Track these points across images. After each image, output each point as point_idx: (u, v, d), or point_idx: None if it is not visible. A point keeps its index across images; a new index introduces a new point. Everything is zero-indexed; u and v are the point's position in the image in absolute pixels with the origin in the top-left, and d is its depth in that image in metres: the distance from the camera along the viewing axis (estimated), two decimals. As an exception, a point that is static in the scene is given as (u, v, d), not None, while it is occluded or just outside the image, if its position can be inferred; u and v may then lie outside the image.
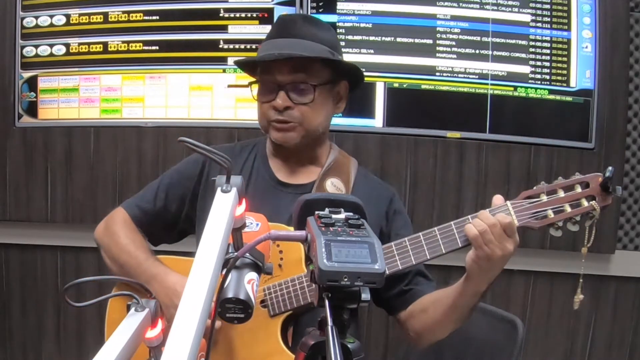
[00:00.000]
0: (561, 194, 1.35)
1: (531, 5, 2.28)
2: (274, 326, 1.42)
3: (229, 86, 2.37)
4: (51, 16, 2.44)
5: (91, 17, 2.43)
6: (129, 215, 1.59)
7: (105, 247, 1.58)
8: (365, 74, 2.34)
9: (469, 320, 1.45)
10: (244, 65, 1.63)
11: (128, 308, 0.86)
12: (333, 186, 1.55)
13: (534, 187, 1.38)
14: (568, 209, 1.35)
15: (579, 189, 1.35)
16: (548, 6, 2.28)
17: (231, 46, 2.36)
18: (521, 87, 2.29)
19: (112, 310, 1.57)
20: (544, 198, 1.35)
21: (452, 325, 1.43)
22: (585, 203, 1.34)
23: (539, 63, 2.29)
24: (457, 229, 1.37)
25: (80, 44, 2.44)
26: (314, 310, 1.44)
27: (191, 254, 1.64)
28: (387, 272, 1.30)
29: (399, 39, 2.31)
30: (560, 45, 2.29)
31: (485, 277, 1.37)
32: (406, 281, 1.49)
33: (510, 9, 2.29)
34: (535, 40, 2.29)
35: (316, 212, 0.84)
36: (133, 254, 1.52)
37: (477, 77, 2.30)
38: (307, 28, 1.53)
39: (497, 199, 1.36)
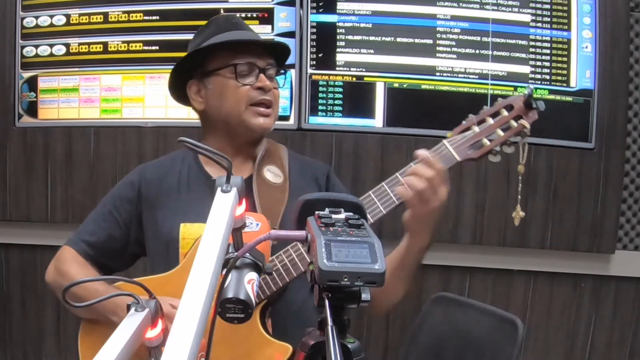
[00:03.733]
0: (490, 121, 1.43)
1: (531, 5, 2.28)
2: (252, 319, 1.42)
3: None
4: (51, 16, 2.44)
5: (91, 17, 2.43)
6: (76, 252, 1.56)
7: (59, 289, 1.54)
8: (365, 74, 2.37)
9: (416, 279, 1.50)
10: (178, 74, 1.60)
11: (128, 308, 0.86)
12: (271, 173, 1.57)
13: (463, 122, 1.45)
14: (500, 133, 1.42)
15: (505, 113, 1.42)
16: (548, 6, 2.28)
17: (231, 46, 2.36)
18: (521, 87, 2.29)
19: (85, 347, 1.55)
20: (476, 129, 1.43)
21: (402, 285, 1.47)
22: (514, 124, 1.41)
23: (539, 63, 2.29)
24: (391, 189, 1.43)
25: (80, 44, 2.44)
26: (286, 295, 1.47)
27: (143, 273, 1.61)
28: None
29: (399, 39, 2.31)
30: (560, 45, 2.29)
31: (427, 230, 1.39)
32: None
33: (510, 9, 2.29)
34: (535, 40, 2.29)
35: (316, 212, 0.84)
36: (90, 288, 1.46)
37: (477, 77, 2.30)
38: (248, 27, 1.65)
39: (420, 152, 1.41)
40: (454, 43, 2.30)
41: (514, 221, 1.45)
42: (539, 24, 2.29)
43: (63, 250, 1.59)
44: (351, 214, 0.84)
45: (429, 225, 1.39)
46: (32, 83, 2.46)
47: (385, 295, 1.48)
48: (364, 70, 2.33)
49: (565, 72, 2.29)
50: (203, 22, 1.73)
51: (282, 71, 1.59)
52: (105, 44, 2.43)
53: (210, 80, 1.54)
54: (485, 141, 1.41)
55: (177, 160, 1.63)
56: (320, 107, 2.34)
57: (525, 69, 2.29)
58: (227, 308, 0.81)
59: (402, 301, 1.51)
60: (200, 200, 1.41)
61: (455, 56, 2.30)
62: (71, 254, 1.57)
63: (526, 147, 1.41)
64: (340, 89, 2.34)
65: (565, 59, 2.29)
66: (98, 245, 1.57)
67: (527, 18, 2.29)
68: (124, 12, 2.41)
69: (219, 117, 1.55)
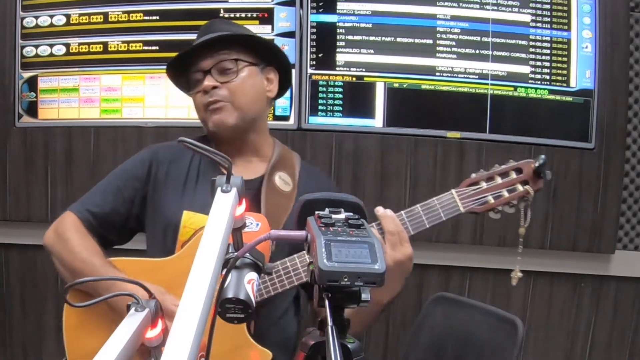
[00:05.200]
0: (498, 180, 1.49)
1: (531, 5, 2.28)
2: None
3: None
4: (51, 16, 2.44)
5: (91, 17, 2.43)
6: (79, 220, 1.57)
7: (57, 254, 1.56)
8: (365, 74, 2.37)
9: (371, 325, 1.53)
10: (178, 83, 1.67)
11: (128, 308, 0.86)
12: (281, 180, 1.58)
13: (472, 175, 1.50)
14: (505, 194, 1.48)
15: (513, 175, 1.49)
16: (548, 6, 2.28)
17: (231, 46, 2.36)
18: (521, 87, 2.29)
19: (69, 317, 1.54)
20: (484, 185, 1.49)
21: (356, 327, 1.46)
22: (520, 188, 1.48)
23: (539, 63, 2.29)
24: None
25: (80, 44, 2.44)
26: (272, 301, 1.48)
27: (141, 253, 1.64)
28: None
29: (399, 39, 2.31)
30: (560, 45, 2.29)
31: (384, 290, 1.37)
32: None
33: (510, 9, 2.29)
34: (535, 40, 2.29)
35: (316, 212, 0.84)
36: (87, 260, 1.49)
37: (477, 77, 2.30)
38: (223, 25, 1.66)
39: (378, 210, 1.42)
40: (454, 43, 2.30)
41: (512, 281, 1.54)
42: (539, 24, 2.29)
43: (66, 216, 1.59)
44: (351, 214, 0.84)
45: (388, 285, 1.35)
46: (32, 83, 2.46)
47: None
48: (364, 70, 2.33)
49: (565, 72, 2.29)
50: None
51: (233, 58, 1.55)
52: (105, 44, 2.43)
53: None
54: (490, 199, 1.48)
55: (189, 150, 1.64)
56: (320, 107, 2.34)
57: (525, 69, 2.29)
58: (227, 308, 0.81)
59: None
60: (207, 193, 1.46)
61: (455, 56, 2.30)
62: (73, 221, 1.58)
63: (528, 212, 1.48)
64: (340, 89, 2.34)
65: (565, 59, 2.29)
66: (101, 216, 1.58)
67: (527, 18, 2.29)
68: (124, 12, 2.41)
69: None
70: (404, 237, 1.38)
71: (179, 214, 1.50)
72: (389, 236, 1.36)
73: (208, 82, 1.53)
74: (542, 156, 1.46)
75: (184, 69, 1.61)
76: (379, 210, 1.40)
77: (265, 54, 1.61)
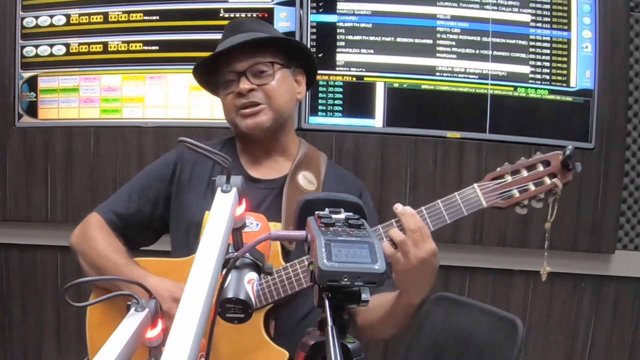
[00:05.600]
0: (524, 173, 1.41)
1: (531, 5, 2.28)
2: (257, 320, 1.43)
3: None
4: (51, 16, 2.44)
5: (91, 17, 2.43)
6: (104, 220, 1.59)
7: (82, 253, 1.58)
8: (365, 74, 2.37)
9: (407, 326, 1.48)
10: (204, 82, 1.65)
11: (128, 308, 0.86)
12: (305, 179, 1.57)
13: (498, 169, 1.43)
14: (532, 187, 1.41)
15: (540, 168, 1.41)
16: (548, 6, 2.28)
17: (231, 46, 2.36)
18: (521, 87, 2.29)
19: (92, 316, 1.57)
20: (509, 178, 1.41)
21: (391, 329, 1.46)
22: (547, 181, 1.41)
23: (539, 63, 2.29)
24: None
25: (80, 44, 2.44)
26: (294, 301, 1.47)
27: (167, 254, 1.66)
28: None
29: (399, 39, 2.31)
30: (560, 45, 2.29)
31: (415, 289, 1.36)
32: None
33: (510, 9, 2.29)
34: (535, 40, 2.29)
35: (316, 212, 0.84)
36: (111, 258, 1.51)
37: (477, 77, 2.30)
38: (254, 25, 1.64)
39: (397, 207, 1.36)
40: (454, 43, 2.30)
41: (541, 277, 1.44)
42: (539, 24, 2.29)
43: (92, 216, 1.61)
44: (351, 214, 0.84)
45: (416, 284, 1.35)
46: (32, 83, 2.46)
47: (372, 331, 1.48)
48: (364, 70, 2.33)
49: (565, 72, 2.29)
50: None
51: (269, 61, 1.54)
52: (105, 44, 2.43)
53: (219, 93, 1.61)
54: (515, 192, 1.41)
55: (216, 148, 1.64)
56: (320, 107, 2.34)
57: (525, 69, 2.29)
58: (227, 308, 0.81)
59: (396, 337, 1.50)
60: None
61: (455, 56, 2.30)
62: (99, 221, 1.59)
63: (556, 206, 1.40)
64: (340, 89, 2.34)
65: (565, 59, 2.29)
66: (125, 217, 1.60)
67: (527, 18, 2.29)
68: (124, 12, 2.41)
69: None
70: (426, 233, 1.31)
71: (201, 214, 1.50)
72: (410, 234, 1.30)
73: (244, 85, 1.51)
74: (570, 146, 1.39)
75: (212, 69, 1.60)
76: (398, 207, 1.34)
77: (295, 55, 1.60)
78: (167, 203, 1.60)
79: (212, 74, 1.61)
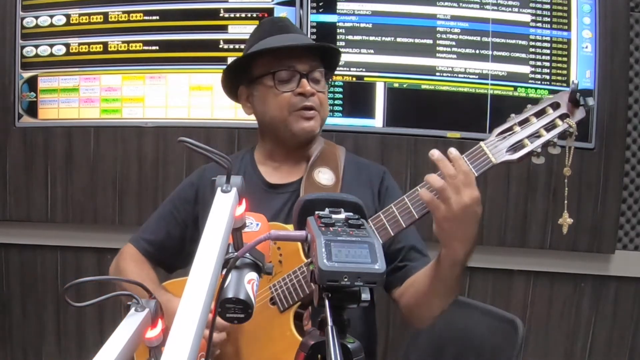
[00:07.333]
0: (534, 120, 1.32)
1: (531, 5, 2.28)
2: (286, 321, 1.42)
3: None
4: (51, 16, 2.44)
5: (91, 17, 2.43)
6: (136, 250, 1.62)
7: (117, 284, 1.59)
8: (365, 74, 2.37)
9: (457, 293, 1.38)
10: (233, 72, 1.61)
11: (128, 308, 0.86)
12: (322, 175, 1.56)
13: (504, 123, 1.33)
14: (544, 133, 1.31)
15: (550, 111, 1.31)
16: (548, 6, 2.28)
17: (231, 46, 2.36)
18: (521, 87, 2.29)
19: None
20: (518, 129, 1.31)
21: (439, 299, 1.37)
22: (560, 123, 1.31)
23: (539, 63, 2.29)
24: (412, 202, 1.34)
25: (80, 44, 2.44)
26: None
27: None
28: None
29: (399, 39, 2.31)
30: (560, 45, 2.29)
31: (458, 241, 1.26)
32: (400, 257, 1.48)
33: (510, 9, 2.29)
34: (535, 40, 2.29)
35: (316, 212, 0.84)
36: (149, 283, 1.52)
37: (477, 77, 2.30)
38: (297, 28, 1.66)
39: (434, 154, 1.31)
40: (454, 43, 2.30)
41: (563, 229, 1.36)
42: (539, 24, 2.29)
43: (126, 248, 1.63)
44: (351, 214, 0.84)
45: (459, 235, 1.25)
46: (32, 83, 2.46)
47: (419, 308, 1.42)
48: (364, 70, 2.33)
49: (565, 72, 2.29)
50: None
51: (324, 71, 1.55)
52: (105, 44, 2.43)
53: (255, 87, 1.56)
54: (527, 142, 1.31)
55: (236, 161, 1.64)
56: (320, 107, 2.34)
57: (525, 69, 2.29)
58: (227, 308, 0.81)
59: (445, 312, 1.40)
60: (253, 203, 1.47)
61: (455, 56, 2.30)
62: (131, 252, 1.61)
63: (572, 149, 1.31)
64: (340, 89, 2.34)
65: (565, 59, 2.29)
66: (157, 243, 1.61)
67: (527, 18, 2.29)
68: (124, 12, 2.41)
69: (265, 123, 1.57)
70: (471, 178, 1.24)
71: None
72: (449, 179, 1.24)
73: (309, 87, 1.50)
74: (575, 80, 1.32)
75: (246, 64, 1.58)
76: (435, 153, 1.29)
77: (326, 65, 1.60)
78: (196, 223, 1.60)
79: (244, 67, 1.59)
